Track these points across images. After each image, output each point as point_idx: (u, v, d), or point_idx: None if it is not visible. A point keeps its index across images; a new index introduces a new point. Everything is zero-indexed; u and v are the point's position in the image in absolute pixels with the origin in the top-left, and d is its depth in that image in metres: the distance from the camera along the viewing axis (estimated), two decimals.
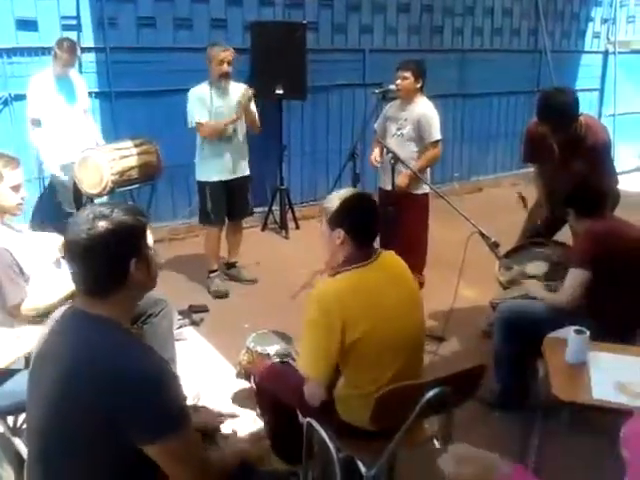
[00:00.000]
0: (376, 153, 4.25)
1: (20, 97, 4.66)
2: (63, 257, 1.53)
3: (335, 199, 2.19)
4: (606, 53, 8.67)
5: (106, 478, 1.45)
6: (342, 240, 2.13)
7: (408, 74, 4.06)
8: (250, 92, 4.22)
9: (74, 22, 4.96)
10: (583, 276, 2.72)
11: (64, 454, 1.44)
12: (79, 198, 4.55)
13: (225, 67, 4.16)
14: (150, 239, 1.75)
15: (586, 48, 8.58)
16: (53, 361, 1.47)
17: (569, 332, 2.41)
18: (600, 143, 3.37)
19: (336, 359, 2.07)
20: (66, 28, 4.87)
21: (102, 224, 1.45)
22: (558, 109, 3.24)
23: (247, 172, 4.53)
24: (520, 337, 2.86)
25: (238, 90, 4.31)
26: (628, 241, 2.78)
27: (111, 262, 1.47)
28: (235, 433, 1.92)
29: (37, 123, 4.46)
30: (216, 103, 4.25)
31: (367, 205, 2.22)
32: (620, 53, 8.60)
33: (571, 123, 3.27)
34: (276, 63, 5.40)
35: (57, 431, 1.43)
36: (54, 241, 2.80)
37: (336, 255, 2.17)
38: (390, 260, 2.24)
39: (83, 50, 4.95)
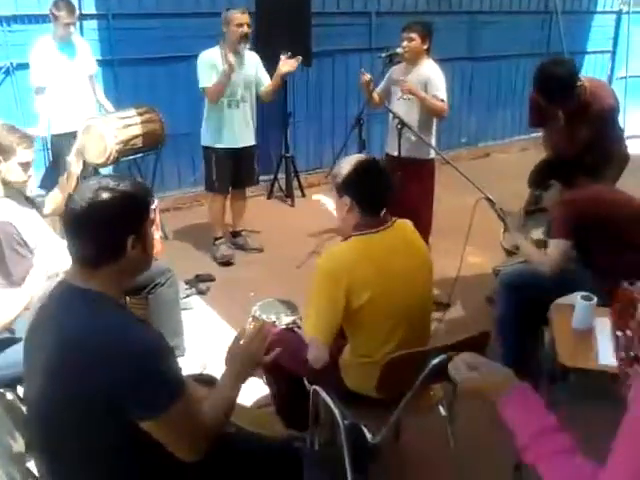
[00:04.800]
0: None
1: (22, 66, 4.59)
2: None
3: (343, 166, 2.18)
4: (619, 13, 8.44)
5: (105, 457, 1.46)
6: (350, 207, 2.13)
7: (414, 35, 3.97)
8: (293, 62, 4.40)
9: None
10: (565, 245, 2.74)
11: (63, 431, 1.44)
12: (84, 167, 4.52)
13: (245, 29, 4.17)
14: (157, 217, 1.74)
15: (599, 8, 8.36)
16: (46, 337, 1.46)
17: (576, 298, 2.40)
18: (606, 109, 3.31)
19: (339, 322, 2.07)
20: None
21: (106, 195, 1.44)
22: (553, 82, 3.19)
23: (253, 141, 4.51)
24: (522, 303, 2.87)
25: (252, 58, 4.35)
26: (616, 203, 2.84)
27: (108, 234, 1.45)
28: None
29: (41, 91, 4.40)
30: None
31: (374, 172, 2.19)
32: (635, 12, 8.36)
33: (567, 96, 3.21)
34: (281, 28, 5.29)
35: (55, 408, 1.43)
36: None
37: (347, 221, 2.17)
38: (404, 229, 2.23)
39: (85, 17, 4.87)
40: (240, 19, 4.14)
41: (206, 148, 4.42)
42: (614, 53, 8.57)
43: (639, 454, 0.96)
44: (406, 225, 2.26)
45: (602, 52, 8.48)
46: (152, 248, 1.60)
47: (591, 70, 8.12)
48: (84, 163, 4.36)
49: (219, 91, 4.18)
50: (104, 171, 4.48)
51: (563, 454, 1.12)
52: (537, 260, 2.88)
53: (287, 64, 4.40)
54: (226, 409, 1.61)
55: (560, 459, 1.11)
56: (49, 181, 4.65)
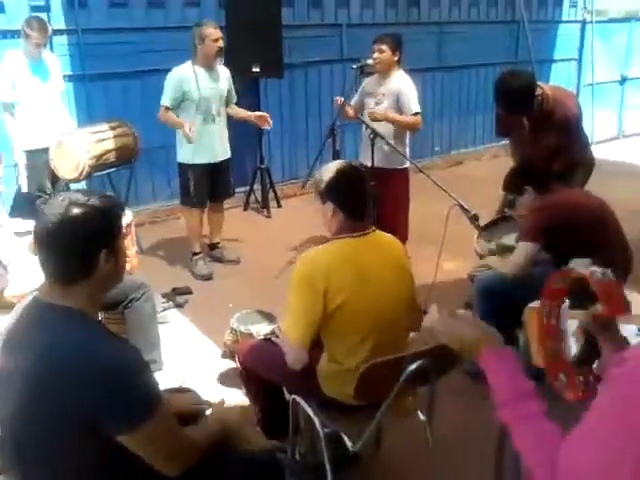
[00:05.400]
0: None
1: None
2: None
3: (325, 172, 2.19)
4: (583, 22, 8.66)
5: (83, 476, 1.46)
6: (333, 213, 2.15)
7: (385, 47, 4.03)
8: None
9: (42, 3, 4.84)
10: (532, 249, 2.80)
11: (38, 451, 1.43)
12: (56, 183, 4.49)
13: (220, 43, 4.20)
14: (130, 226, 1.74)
15: (563, 18, 8.56)
16: (20, 354, 1.45)
17: None
18: (570, 117, 3.40)
19: (317, 324, 2.08)
20: (35, 9, 4.73)
21: (76, 211, 1.43)
22: (511, 94, 3.27)
23: (229, 155, 4.52)
24: (498, 307, 2.91)
25: (224, 72, 4.39)
26: (587, 208, 2.91)
27: (80, 251, 1.45)
28: (222, 402, 1.93)
29: (7, 107, 4.35)
30: (203, 84, 4.20)
31: (356, 177, 2.21)
32: (597, 22, 8.59)
33: (526, 105, 3.29)
34: (252, 40, 5.32)
35: (30, 427, 1.42)
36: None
37: (330, 227, 2.20)
38: (383, 239, 2.26)
39: (54, 32, 4.81)
40: (215, 34, 4.16)
41: (182, 164, 4.39)
42: (580, 61, 8.78)
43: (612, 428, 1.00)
44: (385, 236, 2.28)
45: (569, 60, 8.69)
46: (125, 262, 1.59)
47: (559, 78, 8.29)
48: (57, 178, 4.35)
49: (166, 123, 4.30)
50: (76, 187, 4.45)
51: (535, 418, 1.20)
52: (505, 270, 2.92)
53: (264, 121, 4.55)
54: (207, 441, 1.64)
55: (531, 423, 1.19)
56: (22, 198, 4.60)
